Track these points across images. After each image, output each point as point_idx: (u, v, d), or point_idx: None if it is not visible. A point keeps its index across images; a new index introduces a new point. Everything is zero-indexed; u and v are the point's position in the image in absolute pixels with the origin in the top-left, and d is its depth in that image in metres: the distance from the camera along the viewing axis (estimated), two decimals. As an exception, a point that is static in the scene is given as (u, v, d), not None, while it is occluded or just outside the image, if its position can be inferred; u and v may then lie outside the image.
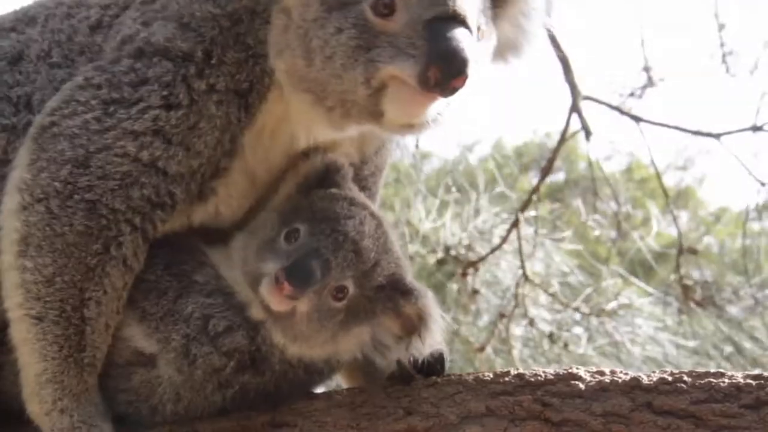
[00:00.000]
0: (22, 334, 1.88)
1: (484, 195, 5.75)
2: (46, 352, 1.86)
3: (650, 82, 5.52)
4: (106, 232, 1.85)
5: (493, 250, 5.44)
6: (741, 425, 1.75)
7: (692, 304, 5.57)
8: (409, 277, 1.88)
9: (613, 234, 6.04)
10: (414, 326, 1.82)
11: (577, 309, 5.57)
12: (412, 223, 5.58)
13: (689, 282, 5.63)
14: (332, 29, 1.78)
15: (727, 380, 1.81)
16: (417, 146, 5.51)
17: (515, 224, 5.24)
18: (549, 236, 5.72)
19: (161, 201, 1.89)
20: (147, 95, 1.88)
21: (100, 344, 1.88)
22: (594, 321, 5.57)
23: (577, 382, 1.83)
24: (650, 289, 5.67)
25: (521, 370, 1.91)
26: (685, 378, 1.82)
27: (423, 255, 5.63)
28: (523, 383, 1.86)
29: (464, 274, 5.50)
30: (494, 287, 5.53)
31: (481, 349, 5.38)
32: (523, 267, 5.31)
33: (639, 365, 5.26)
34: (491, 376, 1.90)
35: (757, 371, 1.87)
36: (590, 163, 5.44)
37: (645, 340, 5.44)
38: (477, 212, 5.63)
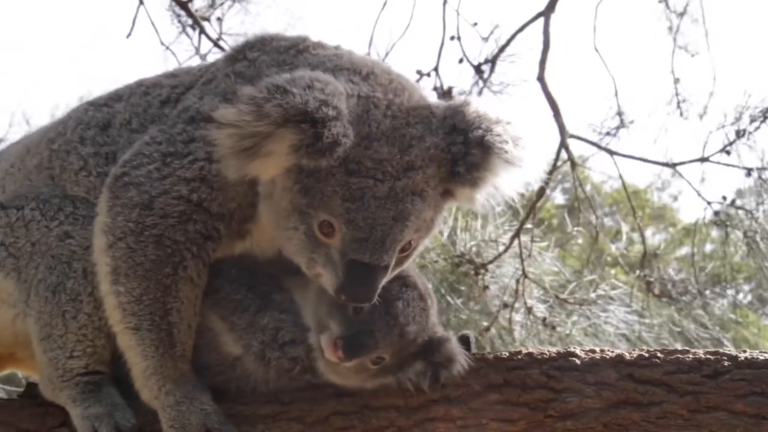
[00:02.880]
0: (125, 342, 2.16)
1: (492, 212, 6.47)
2: (146, 353, 2.13)
3: (622, 124, 6.48)
4: (173, 258, 2.12)
5: (498, 255, 6.38)
6: (702, 390, 2.05)
7: (653, 296, 6.61)
8: (437, 329, 2.12)
9: (590, 241, 6.83)
10: (439, 364, 2.08)
11: (564, 299, 6.47)
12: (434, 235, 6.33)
13: (651, 279, 6.65)
14: (291, 224, 2.02)
15: (691, 356, 2.10)
16: None
17: (517, 234, 6.22)
18: (543, 243, 6.49)
19: (210, 234, 2.16)
20: (195, 150, 2.14)
21: (186, 340, 2.16)
22: (578, 308, 6.51)
23: (574, 359, 2.12)
24: (620, 283, 6.53)
25: (531, 350, 2.18)
26: (659, 354, 2.11)
27: (442, 260, 6.33)
28: (532, 360, 2.14)
29: (476, 274, 6.43)
30: (499, 284, 6.26)
31: (487, 329, 6.34)
32: (522, 267, 6.26)
33: (613, 341, 6.19)
34: (507, 354, 2.17)
35: (714, 349, 2.16)
36: (575, 188, 6.28)
37: (617, 321, 6.27)
38: (484, 225, 6.34)
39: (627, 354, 2.14)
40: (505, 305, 6.37)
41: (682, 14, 6.37)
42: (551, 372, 2.12)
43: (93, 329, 2.18)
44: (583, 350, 2.16)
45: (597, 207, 7.22)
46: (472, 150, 2.00)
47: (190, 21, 6.05)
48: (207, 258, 2.16)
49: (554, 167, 6.03)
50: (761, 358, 2.09)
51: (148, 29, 5.95)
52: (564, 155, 6.05)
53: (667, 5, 6.36)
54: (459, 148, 2.01)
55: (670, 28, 6.50)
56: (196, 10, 6.02)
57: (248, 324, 2.15)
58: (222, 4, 6.20)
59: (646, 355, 2.13)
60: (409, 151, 1.99)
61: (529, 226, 6.29)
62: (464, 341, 2.13)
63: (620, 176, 6.44)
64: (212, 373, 2.19)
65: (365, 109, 2.00)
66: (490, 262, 6.37)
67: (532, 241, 6.31)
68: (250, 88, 1.98)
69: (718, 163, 6.05)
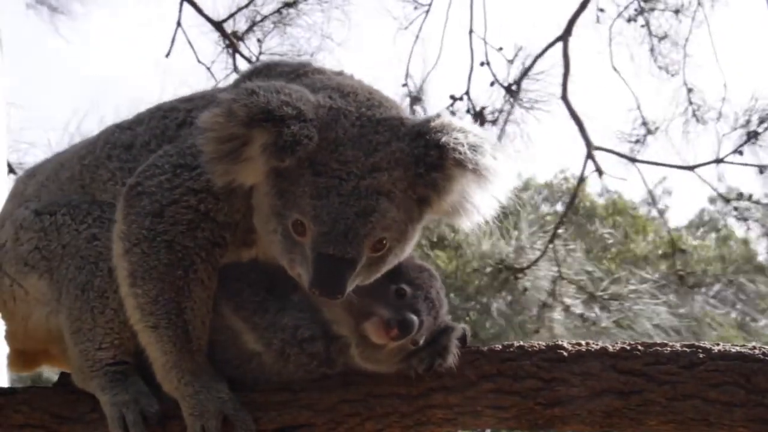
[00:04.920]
0: (145, 339, 2.28)
1: (525, 219, 6.78)
2: (165, 349, 2.25)
3: (648, 132, 6.86)
4: (183, 262, 2.23)
5: (536, 260, 6.74)
6: (679, 380, 2.16)
7: (686, 287, 6.89)
8: (447, 316, 2.26)
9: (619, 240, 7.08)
10: (439, 350, 2.20)
11: (599, 296, 6.74)
12: (473, 243, 6.64)
13: (682, 272, 6.91)
14: (272, 227, 2.14)
15: (669, 349, 2.21)
16: None
17: (551, 240, 6.65)
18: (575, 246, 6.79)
19: (217, 241, 2.26)
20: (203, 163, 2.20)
21: (201, 335, 2.26)
22: (613, 304, 6.74)
23: (561, 351, 2.22)
24: (650, 277, 6.71)
25: (522, 343, 2.27)
26: (639, 347, 2.22)
27: (484, 267, 6.63)
28: (523, 352, 2.24)
29: (516, 278, 6.80)
30: (537, 286, 6.52)
31: (536, 331, 6.75)
32: (558, 269, 6.61)
33: (649, 333, 6.44)
34: (500, 347, 2.27)
35: (690, 342, 2.25)
36: (603, 194, 6.61)
37: (650, 314, 6.43)
38: (519, 233, 6.64)
39: (610, 347, 2.24)
40: (544, 305, 6.61)
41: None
42: (541, 363, 2.23)
43: (119, 323, 2.33)
44: (570, 343, 2.27)
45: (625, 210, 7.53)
46: (430, 151, 2.09)
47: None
48: (215, 262, 2.27)
49: (581, 178, 6.35)
50: (733, 350, 2.20)
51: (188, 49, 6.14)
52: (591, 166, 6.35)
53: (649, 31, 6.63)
54: (420, 150, 2.10)
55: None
56: (234, 32, 6.21)
57: (269, 324, 2.25)
58: (259, 22, 6.37)
59: (628, 347, 2.24)
60: (375, 154, 2.09)
61: (560, 231, 6.59)
62: (461, 335, 2.25)
63: (644, 181, 6.73)
64: (231, 366, 2.32)
65: (335, 118, 2.12)
66: (528, 267, 6.67)
67: (565, 245, 6.58)
68: (226, 94, 2.12)
69: (732, 163, 6.30)
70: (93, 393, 2.36)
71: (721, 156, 6.54)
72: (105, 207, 2.41)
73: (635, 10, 6.84)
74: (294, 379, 2.28)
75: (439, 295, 2.22)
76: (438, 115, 2.18)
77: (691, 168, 6.62)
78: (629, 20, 6.83)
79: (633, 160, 6.69)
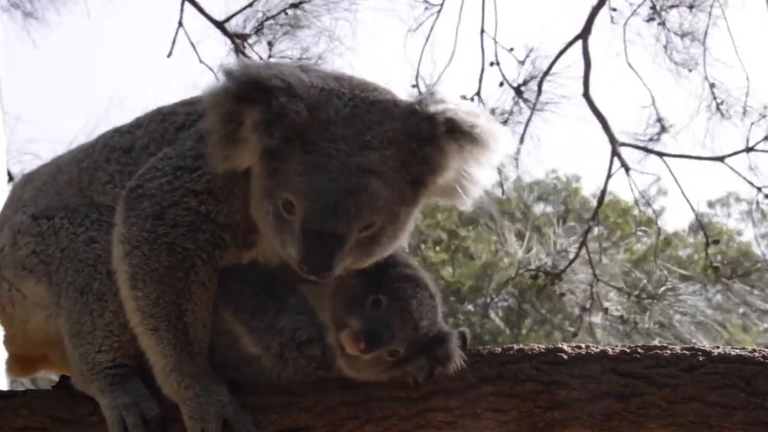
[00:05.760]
0: (146, 342, 2.26)
1: (546, 224, 6.84)
2: (166, 352, 2.23)
3: (663, 129, 6.82)
4: (184, 264, 2.22)
5: (570, 263, 6.83)
6: (679, 383, 2.16)
7: (724, 279, 6.90)
8: (443, 325, 2.23)
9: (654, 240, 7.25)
10: (439, 360, 2.18)
11: (637, 296, 6.81)
12: (510, 253, 6.71)
13: (717, 264, 6.95)
14: (265, 209, 2.14)
15: (669, 351, 2.20)
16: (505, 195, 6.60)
17: (584, 243, 6.73)
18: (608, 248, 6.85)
19: (218, 243, 2.26)
20: (203, 165, 2.24)
21: (201, 338, 2.25)
22: (652, 304, 6.83)
23: (561, 354, 2.21)
24: (687, 273, 6.73)
25: (522, 346, 2.26)
26: (639, 350, 2.21)
27: (520, 274, 6.71)
28: (523, 355, 2.23)
29: (552, 283, 6.90)
30: (575, 290, 6.54)
31: (575, 334, 6.79)
32: (593, 272, 6.67)
33: (691, 332, 6.54)
34: (500, 350, 2.26)
35: (690, 345, 2.25)
36: (632, 191, 6.86)
37: (693, 312, 6.60)
38: (545, 238, 6.69)
39: (610, 349, 2.24)
40: (584, 308, 6.62)
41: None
42: (541, 366, 2.23)
43: (118, 326, 2.32)
44: (570, 346, 2.26)
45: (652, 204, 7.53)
46: (422, 124, 2.09)
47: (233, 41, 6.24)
48: (216, 264, 2.27)
49: (609, 175, 6.37)
50: (733, 353, 2.20)
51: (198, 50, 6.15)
52: (617, 163, 6.43)
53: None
54: (412, 127, 2.10)
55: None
56: (240, 33, 6.22)
57: (268, 327, 2.24)
58: (265, 22, 6.38)
59: (628, 350, 2.23)
60: (366, 132, 2.08)
61: (595, 233, 6.62)
62: (461, 338, 2.24)
63: (673, 176, 6.75)
64: (230, 369, 2.30)
65: (327, 98, 2.12)
66: (562, 271, 6.75)
67: (601, 246, 6.59)
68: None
69: (763, 150, 6.31)
70: (93, 396, 2.36)
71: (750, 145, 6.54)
72: (103, 210, 2.41)
73: (650, 8, 6.83)
74: (293, 382, 2.27)
75: (423, 305, 2.18)
76: (431, 92, 2.17)
77: (720, 159, 6.62)
78: (649, 20, 6.82)
79: (660, 154, 6.70)
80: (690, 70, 6.83)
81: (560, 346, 2.27)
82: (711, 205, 17.07)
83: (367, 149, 2.07)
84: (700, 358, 2.20)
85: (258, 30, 6.49)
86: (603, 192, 6.86)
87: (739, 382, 2.16)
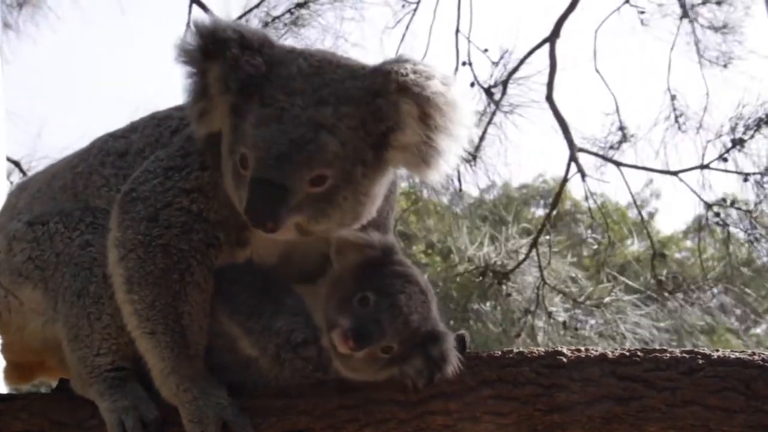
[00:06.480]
0: (143, 346, 2.26)
1: (511, 225, 6.83)
2: (163, 355, 2.24)
3: (624, 138, 6.88)
4: (179, 266, 2.23)
5: (518, 264, 6.81)
6: (679, 386, 2.15)
7: (666, 294, 6.92)
8: (438, 324, 2.21)
9: (602, 248, 7.15)
10: (435, 361, 2.17)
11: (581, 303, 6.80)
12: (460, 249, 6.71)
13: (662, 277, 6.98)
14: (227, 167, 2.17)
15: (668, 354, 2.20)
16: (460, 189, 6.60)
17: (534, 245, 6.68)
18: (559, 252, 6.81)
19: (211, 242, 2.26)
20: (191, 162, 2.27)
21: (199, 340, 2.26)
22: (595, 312, 6.82)
23: (561, 357, 2.21)
24: (635, 285, 6.76)
25: (522, 349, 2.27)
26: (639, 353, 2.21)
27: (469, 271, 6.68)
28: (522, 358, 2.23)
29: (500, 283, 6.84)
30: (521, 291, 6.54)
31: (518, 335, 6.75)
32: (542, 275, 6.67)
33: (629, 341, 6.49)
34: (500, 353, 2.26)
35: (690, 348, 2.24)
36: (587, 198, 6.80)
37: (632, 324, 6.46)
38: (507, 238, 6.68)
39: (609, 353, 2.24)
40: (527, 311, 6.62)
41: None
42: (540, 369, 2.22)
43: (116, 328, 2.32)
44: (570, 349, 2.26)
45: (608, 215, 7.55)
46: (377, 79, 2.10)
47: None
48: (211, 265, 2.27)
49: (565, 180, 6.37)
50: (732, 356, 2.20)
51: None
52: (574, 168, 6.40)
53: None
54: (371, 84, 2.11)
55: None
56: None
57: (264, 328, 2.24)
58: (271, 23, 6.38)
59: (627, 354, 2.23)
60: (323, 88, 2.08)
61: (548, 237, 6.61)
62: (460, 341, 2.23)
63: (627, 186, 6.80)
64: (229, 371, 2.31)
65: (293, 58, 2.14)
66: (511, 271, 6.70)
67: (550, 248, 6.58)
68: None
69: (717, 169, 6.33)
70: (92, 399, 2.35)
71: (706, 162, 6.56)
72: (98, 213, 2.42)
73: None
74: (292, 385, 2.27)
75: (412, 300, 2.17)
76: (399, 56, 2.17)
77: (674, 173, 6.65)
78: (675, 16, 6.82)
79: (617, 163, 6.73)
80: None
81: (560, 349, 2.27)
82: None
83: (322, 104, 2.07)
84: (700, 362, 2.19)
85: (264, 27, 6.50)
86: (557, 196, 6.91)
87: (738, 385, 2.15)
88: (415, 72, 2.08)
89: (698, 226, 6.80)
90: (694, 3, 6.81)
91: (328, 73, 2.12)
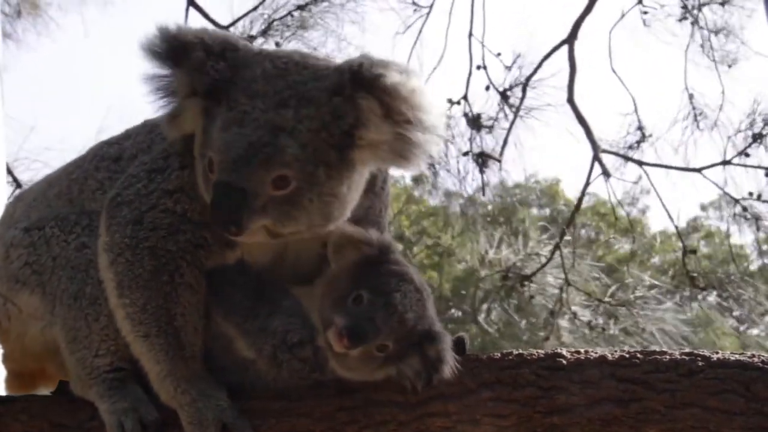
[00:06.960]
0: (138, 350, 2.26)
1: (530, 227, 6.86)
2: (158, 358, 2.23)
3: (643, 138, 6.80)
4: (168, 267, 2.22)
5: (541, 267, 6.81)
6: (678, 388, 2.15)
7: (699, 289, 6.96)
8: (434, 324, 2.20)
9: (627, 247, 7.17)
10: (432, 362, 2.16)
11: (607, 302, 6.79)
12: (480, 253, 6.73)
13: (694, 274, 6.92)
14: (199, 170, 2.16)
15: (668, 356, 2.20)
16: (483, 194, 6.61)
17: (557, 246, 6.70)
18: (582, 253, 6.85)
19: (199, 242, 2.25)
20: (172, 162, 2.26)
21: (194, 341, 2.25)
22: (621, 310, 6.79)
23: (561, 359, 2.21)
24: (658, 282, 6.73)
25: (521, 351, 2.25)
26: (638, 355, 2.20)
27: (491, 275, 6.70)
28: (522, 360, 2.23)
29: (522, 286, 6.84)
30: (544, 293, 6.55)
31: (546, 338, 6.80)
32: (565, 276, 6.66)
33: (657, 340, 6.49)
34: (499, 355, 2.25)
35: (689, 350, 2.23)
36: (609, 197, 6.85)
37: (658, 319, 6.47)
38: (527, 241, 6.69)
39: (609, 355, 2.23)
40: (552, 313, 6.63)
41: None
42: (540, 371, 2.22)
43: (114, 329, 2.32)
44: (569, 351, 2.26)
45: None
46: (333, 76, 2.09)
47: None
48: (201, 265, 2.26)
49: (588, 181, 6.40)
50: (732, 358, 2.19)
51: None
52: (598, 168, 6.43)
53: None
54: (328, 85, 2.08)
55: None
56: (248, 36, 6.25)
57: (259, 329, 2.24)
58: (272, 25, 6.39)
59: (627, 356, 2.23)
60: (285, 91, 2.07)
61: (568, 237, 6.62)
62: (459, 344, 2.23)
63: (651, 184, 6.77)
64: (228, 373, 2.31)
65: (258, 60, 2.13)
66: (534, 273, 6.74)
67: (574, 251, 6.60)
68: None
69: (740, 165, 6.32)
70: (92, 401, 2.36)
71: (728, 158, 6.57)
72: (93, 216, 2.41)
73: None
74: (291, 386, 2.26)
75: (407, 298, 2.17)
76: (360, 55, 2.14)
77: (698, 170, 6.63)
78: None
79: (639, 163, 6.70)
80: None
81: (559, 351, 2.27)
82: (704, 208, 17.00)
83: (283, 107, 2.06)
84: (700, 364, 2.19)
85: (265, 32, 6.50)
86: (581, 197, 6.92)
87: (738, 387, 2.15)
88: (371, 66, 2.06)
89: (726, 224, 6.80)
90: (701, 2, 6.80)
91: (292, 75, 2.11)
